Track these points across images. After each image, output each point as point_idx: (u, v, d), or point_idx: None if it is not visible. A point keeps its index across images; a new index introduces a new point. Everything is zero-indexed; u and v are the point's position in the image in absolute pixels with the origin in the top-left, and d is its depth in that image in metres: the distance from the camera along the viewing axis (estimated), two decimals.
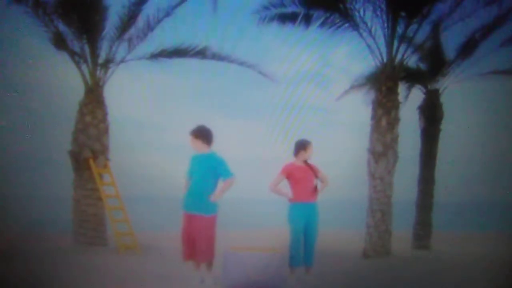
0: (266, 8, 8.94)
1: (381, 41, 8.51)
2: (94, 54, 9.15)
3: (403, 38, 8.53)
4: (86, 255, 7.93)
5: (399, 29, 8.41)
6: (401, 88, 9.80)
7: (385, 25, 8.37)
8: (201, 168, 5.48)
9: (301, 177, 5.98)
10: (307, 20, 8.88)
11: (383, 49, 8.55)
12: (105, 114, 9.23)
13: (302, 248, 5.94)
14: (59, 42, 8.95)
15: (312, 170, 6.03)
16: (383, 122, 8.42)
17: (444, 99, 10.41)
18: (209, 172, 5.46)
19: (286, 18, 8.97)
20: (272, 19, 9.00)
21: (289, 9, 8.87)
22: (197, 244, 5.41)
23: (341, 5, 8.44)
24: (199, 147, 5.54)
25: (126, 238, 8.68)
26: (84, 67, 9.16)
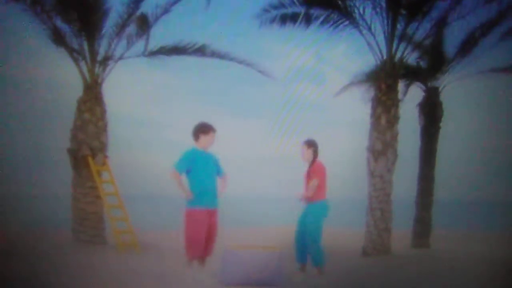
0: (266, 10, 8.93)
1: (381, 38, 8.50)
2: (93, 51, 9.12)
3: (403, 36, 8.51)
4: (85, 253, 7.92)
5: (399, 27, 8.40)
6: (401, 86, 9.79)
7: (385, 22, 8.36)
8: (210, 164, 5.65)
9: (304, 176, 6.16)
10: (307, 19, 8.86)
11: (383, 47, 8.54)
12: (103, 112, 9.19)
13: (301, 246, 6.10)
14: (58, 39, 8.92)
15: (308, 171, 6.10)
16: (383, 120, 8.40)
17: (443, 97, 10.41)
18: (216, 168, 5.74)
19: (287, 19, 8.96)
20: (273, 21, 8.98)
21: (289, 10, 8.85)
22: (212, 238, 5.65)
23: (340, 3, 8.42)
24: (211, 144, 5.67)
25: (125, 236, 8.66)
26: (82, 64, 9.12)
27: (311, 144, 6.13)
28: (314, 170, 6.04)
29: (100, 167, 9.00)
